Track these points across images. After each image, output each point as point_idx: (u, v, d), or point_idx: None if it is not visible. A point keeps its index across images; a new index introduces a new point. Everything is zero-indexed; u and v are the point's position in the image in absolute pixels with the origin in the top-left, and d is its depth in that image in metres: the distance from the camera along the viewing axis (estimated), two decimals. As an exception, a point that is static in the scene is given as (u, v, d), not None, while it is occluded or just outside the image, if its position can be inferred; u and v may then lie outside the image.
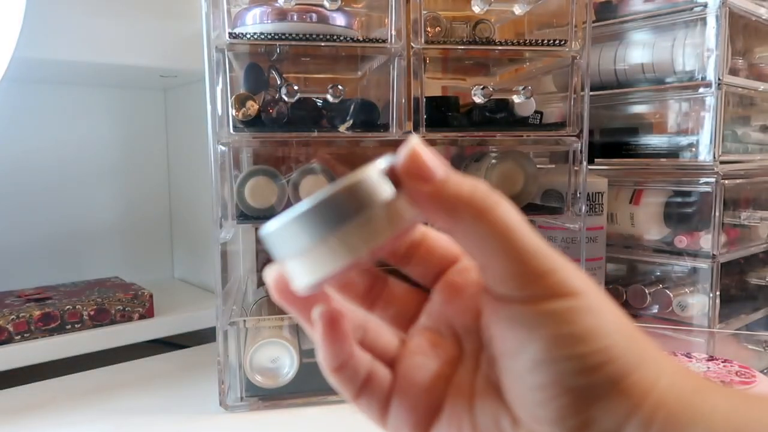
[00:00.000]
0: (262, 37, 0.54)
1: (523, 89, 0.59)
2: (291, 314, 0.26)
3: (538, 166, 0.63)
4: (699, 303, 0.70)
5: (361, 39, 0.58)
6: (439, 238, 0.26)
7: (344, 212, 0.21)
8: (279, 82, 0.59)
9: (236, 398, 0.59)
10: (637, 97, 0.75)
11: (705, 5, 0.66)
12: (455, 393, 0.25)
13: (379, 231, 0.21)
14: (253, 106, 0.55)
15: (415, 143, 0.22)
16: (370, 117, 0.58)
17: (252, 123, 0.55)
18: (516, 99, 0.60)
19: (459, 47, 0.60)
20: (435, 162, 0.22)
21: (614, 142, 0.77)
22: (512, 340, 0.22)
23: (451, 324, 0.26)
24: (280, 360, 0.59)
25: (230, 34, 0.53)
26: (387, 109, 0.58)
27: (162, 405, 0.59)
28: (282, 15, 0.56)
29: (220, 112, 0.54)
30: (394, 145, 0.63)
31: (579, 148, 0.61)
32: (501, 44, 0.59)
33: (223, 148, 0.55)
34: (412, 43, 0.57)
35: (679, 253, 0.71)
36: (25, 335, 0.65)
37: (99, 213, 0.90)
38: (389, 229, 0.22)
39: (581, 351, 0.21)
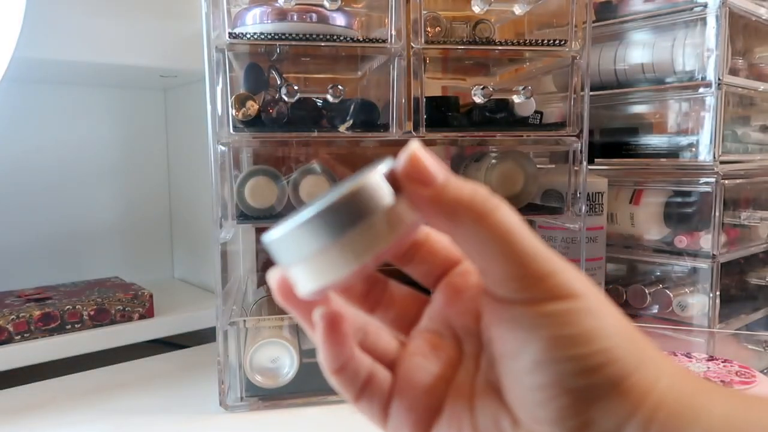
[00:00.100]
0: (262, 37, 0.54)
1: (523, 89, 0.59)
2: (293, 315, 0.26)
3: (538, 166, 0.63)
4: (699, 303, 0.70)
5: (361, 39, 0.58)
6: (441, 240, 0.27)
7: (348, 219, 0.21)
8: (279, 82, 0.59)
9: (236, 398, 0.59)
10: (637, 97, 0.75)
11: (705, 5, 0.66)
12: (455, 394, 0.25)
13: (382, 237, 0.22)
14: (253, 106, 0.55)
15: (415, 147, 0.22)
16: (370, 117, 0.58)
17: (252, 123, 0.55)
18: (516, 99, 0.60)
19: (459, 47, 0.60)
20: (435, 166, 0.22)
21: (614, 142, 0.77)
22: (512, 342, 0.22)
23: (452, 326, 0.26)
24: (280, 360, 0.59)
25: (230, 34, 0.53)
26: (387, 109, 0.58)
27: (162, 405, 0.59)
28: (282, 15, 0.56)
29: (220, 112, 0.54)
30: (394, 145, 0.63)
31: (579, 148, 0.61)
32: (501, 44, 0.59)
33: (223, 148, 0.55)
34: (412, 43, 0.57)
35: (679, 253, 0.71)
36: (25, 335, 0.65)
37: (99, 213, 0.90)
38: (392, 235, 0.22)
39: (581, 352, 0.21)
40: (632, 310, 0.74)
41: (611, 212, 0.75)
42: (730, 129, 0.73)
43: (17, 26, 0.56)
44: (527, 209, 0.63)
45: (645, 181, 0.74)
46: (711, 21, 0.66)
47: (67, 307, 0.68)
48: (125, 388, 0.64)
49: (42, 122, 0.84)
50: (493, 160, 0.63)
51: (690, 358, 0.60)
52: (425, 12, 0.58)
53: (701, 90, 0.68)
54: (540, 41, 0.59)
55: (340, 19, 0.57)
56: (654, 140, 0.74)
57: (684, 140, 0.71)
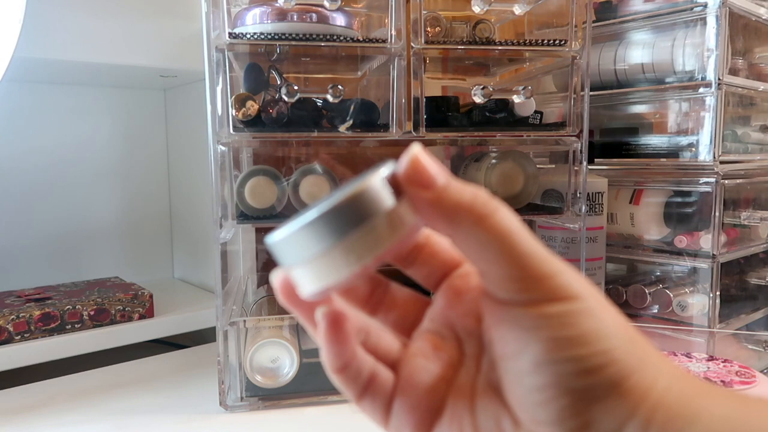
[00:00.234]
0: (262, 37, 0.54)
1: (523, 89, 0.59)
2: (295, 315, 0.26)
3: (538, 166, 0.63)
4: (699, 303, 0.70)
5: (361, 39, 0.58)
6: (442, 242, 0.27)
7: (350, 222, 0.21)
8: (279, 82, 0.59)
9: (236, 398, 0.59)
10: (637, 97, 0.75)
11: (705, 5, 0.66)
12: (456, 394, 0.25)
13: (383, 239, 0.22)
14: (253, 106, 0.55)
15: (416, 150, 0.22)
16: (370, 117, 0.58)
17: (252, 123, 0.55)
18: (516, 99, 0.60)
19: (459, 47, 0.60)
20: (436, 169, 0.22)
21: (614, 142, 0.78)
22: (513, 343, 0.22)
23: (453, 327, 0.26)
24: (280, 360, 0.59)
25: (230, 34, 0.53)
26: (387, 109, 0.58)
27: (162, 405, 0.59)
28: (282, 15, 0.56)
29: (220, 112, 0.54)
30: (394, 145, 0.63)
31: (579, 148, 0.61)
32: (501, 44, 0.59)
33: (223, 148, 0.55)
34: (412, 43, 0.57)
35: (679, 253, 0.71)
36: (25, 335, 0.65)
37: (99, 213, 0.90)
38: (393, 237, 0.22)
39: (581, 353, 0.21)
40: (632, 310, 0.74)
41: (611, 212, 0.75)
42: (730, 129, 0.73)
43: (17, 26, 0.56)
44: (527, 209, 0.63)
45: (645, 181, 0.74)
46: (711, 21, 0.66)
47: (67, 307, 0.68)
48: (125, 388, 0.64)
49: (42, 122, 0.84)
50: (493, 160, 0.63)
51: (690, 358, 0.60)
52: (425, 12, 0.58)
53: (701, 90, 0.68)
54: (540, 41, 0.59)
55: (340, 19, 0.57)
56: (654, 140, 0.74)
57: (684, 140, 0.71)
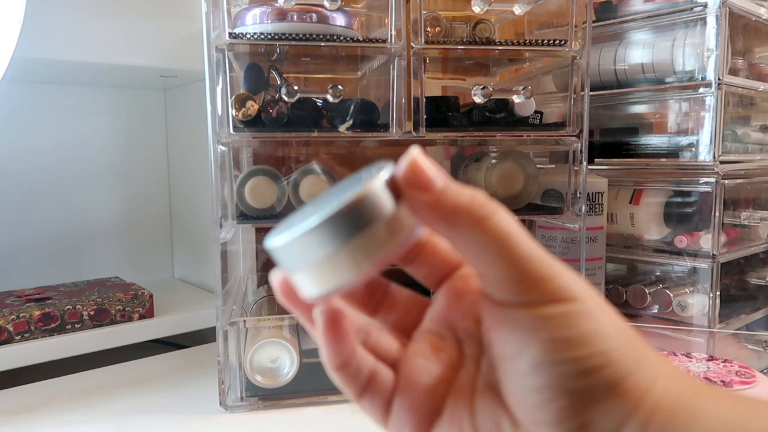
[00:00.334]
0: (262, 37, 0.54)
1: (523, 89, 0.59)
2: (295, 316, 0.26)
3: (538, 166, 0.63)
4: (699, 303, 0.70)
5: (361, 39, 0.58)
6: (442, 241, 0.27)
7: (352, 228, 0.21)
8: (279, 82, 0.59)
9: (236, 398, 0.59)
10: (637, 97, 0.75)
11: (705, 5, 0.66)
12: (456, 395, 0.25)
13: (385, 243, 0.22)
14: (253, 106, 0.55)
15: (415, 153, 0.22)
16: (370, 117, 0.58)
17: (252, 123, 0.55)
18: (516, 99, 0.60)
19: (459, 47, 0.60)
20: (434, 171, 0.22)
21: (614, 142, 0.77)
22: (512, 344, 0.22)
23: (453, 328, 0.26)
24: (280, 360, 0.59)
25: (230, 34, 0.53)
26: (387, 109, 0.58)
27: (162, 405, 0.59)
28: (282, 15, 0.56)
29: (220, 112, 0.54)
30: (394, 145, 0.62)
31: (579, 148, 0.61)
32: (501, 44, 0.59)
33: (223, 148, 0.55)
34: (412, 43, 0.56)
35: (679, 253, 0.71)
36: (25, 335, 0.65)
37: (99, 213, 0.90)
38: (394, 241, 0.22)
39: (580, 354, 0.21)
40: (632, 310, 0.74)
41: (611, 212, 0.75)
42: (730, 129, 0.73)
43: (17, 26, 0.56)
44: (527, 209, 0.63)
45: (645, 181, 0.74)
46: (711, 21, 0.66)
47: (67, 307, 0.68)
48: (125, 388, 0.64)
49: (42, 122, 0.84)
50: (493, 160, 0.63)
51: (690, 358, 0.60)
52: (425, 12, 0.58)
53: (701, 90, 0.68)
54: (540, 41, 0.59)
55: (340, 19, 0.57)
56: (654, 140, 0.74)
57: (684, 140, 0.71)
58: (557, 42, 0.59)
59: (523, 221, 0.66)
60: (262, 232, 0.71)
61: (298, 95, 0.54)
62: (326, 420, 0.56)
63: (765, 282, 0.78)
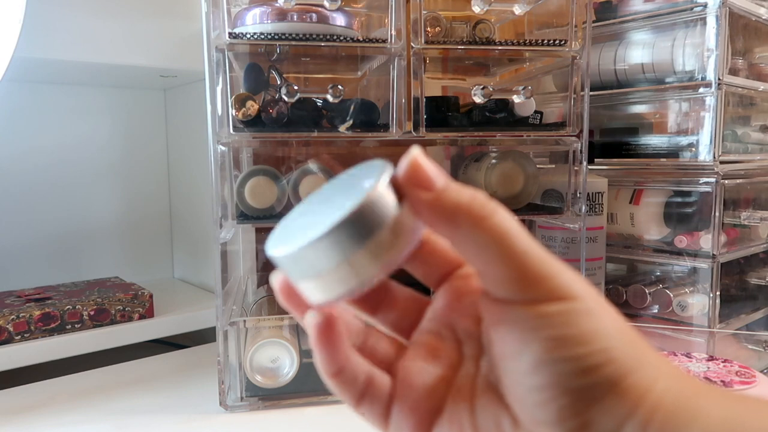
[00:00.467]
0: (262, 37, 0.54)
1: (523, 89, 0.59)
2: (294, 316, 0.26)
3: (538, 166, 0.63)
4: (699, 303, 0.70)
5: (361, 39, 0.58)
6: (443, 240, 0.27)
7: (359, 235, 0.21)
8: (279, 82, 0.59)
9: (236, 398, 0.59)
10: (637, 97, 0.75)
11: (705, 5, 0.66)
12: (456, 395, 0.25)
13: (391, 247, 0.22)
14: (253, 106, 0.55)
15: (416, 153, 0.22)
16: (370, 117, 0.58)
17: (252, 123, 0.55)
18: (516, 99, 0.60)
19: (459, 47, 0.60)
20: (435, 171, 0.22)
21: (614, 142, 0.77)
22: (512, 342, 0.22)
23: (453, 328, 0.26)
24: (280, 360, 0.59)
25: (230, 34, 0.53)
26: (387, 109, 0.58)
27: (162, 405, 0.59)
28: (282, 15, 0.56)
29: (220, 112, 0.54)
30: (394, 145, 0.62)
31: (579, 148, 0.61)
32: (501, 44, 0.59)
33: (223, 148, 0.55)
34: (412, 43, 0.56)
35: (679, 253, 0.71)
36: (25, 335, 0.65)
37: (99, 213, 0.90)
38: (401, 245, 0.22)
39: (580, 352, 0.21)
40: (632, 310, 0.74)
41: (611, 212, 0.75)
42: (730, 129, 0.73)
43: (17, 26, 0.56)
44: (527, 209, 0.63)
45: (645, 181, 0.74)
46: (711, 21, 0.66)
47: (67, 307, 0.68)
48: (125, 388, 0.64)
49: (42, 122, 0.84)
50: (493, 160, 0.63)
51: (690, 358, 0.60)
52: (425, 12, 0.58)
53: (701, 90, 0.68)
54: (540, 41, 0.59)
55: (340, 19, 0.57)
56: (654, 140, 0.74)
57: (684, 140, 0.71)
58: (557, 42, 0.59)
59: (523, 221, 0.66)
60: (262, 232, 0.71)
61: (298, 95, 0.54)
62: (326, 420, 0.56)
63: (765, 282, 0.78)
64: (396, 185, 0.22)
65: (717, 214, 0.67)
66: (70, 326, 0.68)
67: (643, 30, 0.73)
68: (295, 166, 0.60)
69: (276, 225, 0.24)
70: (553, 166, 0.72)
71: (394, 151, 0.62)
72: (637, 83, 0.74)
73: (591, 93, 0.61)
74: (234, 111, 0.54)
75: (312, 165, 0.59)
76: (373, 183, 0.22)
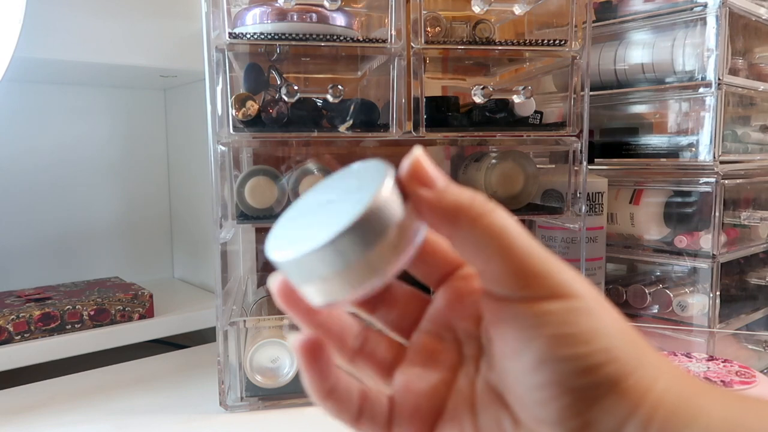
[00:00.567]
0: (262, 37, 0.54)
1: (523, 89, 0.59)
2: (292, 318, 0.26)
3: (538, 166, 0.63)
4: (699, 303, 0.70)
5: (361, 39, 0.58)
6: (443, 240, 0.27)
7: (365, 241, 0.21)
8: (279, 82, 0.59)
9: (236, 398, 0.59)
10: (637, 97, 0.75)
11: (705, 5, 0.66)
12: (456, 396, 0.25)
13: (397, 251, 0.22)
14: (253, 106, 0.55)
15: (419, 152, 0.23)
16: (370, 117, 0.58)
17: (252, 123, 0.55)
18: (516, 99, 0.60)
19: (459, 47, 0.60)
20: (436, 172, 0.23)
21: (614, 142, 0.77)
22: (513, 341, 0.22)
23: (453, 328, 0.26)
24: (280, 360, 0.59)
25: (230, 34, 0.53)
26: (387, 109, 0.58)
27: (162, 405, 0.59)
28: (282, 15, 0.56)
29: (220, 112, 0.54)
30: (394, 145, 0.62)
31: (579, 148, 0.61)
32: (501, 44, 0.59)
33: (223, 148, 0.55)
34: (412, 43, 0.56)
35: (679, 253, 0.71)
36: (25, 335, 0.65)
37: (99, 213, 0.90)
38: (406, 248, 0.22)
39: (582, 351, 0.21)
40: (632, 310, 0.74)
41: (611, 212, 0.75)
42: (730, 129, 0.73)
43: (17, 26, 0.56)
44: (527, 209, 0.63)
45: (645, 181, 0.74)
46: (711, 21, 0.66)
47: (67, 307, 0.68)
48: (125, 388, 0.64)
49: (42, 122, 0.84)
50: (493, 160, 0.63)
51: (690, 358, 0.60)
52: (425, 12, 0.58)
53: (701, 90, 0.68)
54: (540, 41, 0.59)
55: (340, 19, 0.57)
56: (654, 140, 0.74)
57: (684, 140, 0.71)
58: (557, 42, 0.59)
59: (523, 221, 0.66)
60: (262, 232, 0.71)
61: (298, 95, 0.54)
62: (326, 420, 0.56)
63: (765, 282, 0.78)
64: (399, 187, 0.22)
65: (717, 214, 0.67)
66: (70, 326, 0.68)
67: (643, 30, 0.73)
68: (295, 166, 0.60)
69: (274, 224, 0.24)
70: (553, 166, 0.72)
71: (394, 151, 0.62)
72: (637, 83, 0.74)
73: (591, 93, 0.61)
74: (234, 111, 0.54)
75: (312, 165, 0.59)
76: (378, 186, 0.21)
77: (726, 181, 0.68)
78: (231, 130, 0.54)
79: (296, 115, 0.56)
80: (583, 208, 0.62)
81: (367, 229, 0.21)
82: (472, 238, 0.22)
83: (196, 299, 0.84)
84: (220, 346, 0.57)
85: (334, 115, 0.57)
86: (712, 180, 0.67)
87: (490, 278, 0.22)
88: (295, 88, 0.54)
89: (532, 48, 0.60)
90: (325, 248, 0.21)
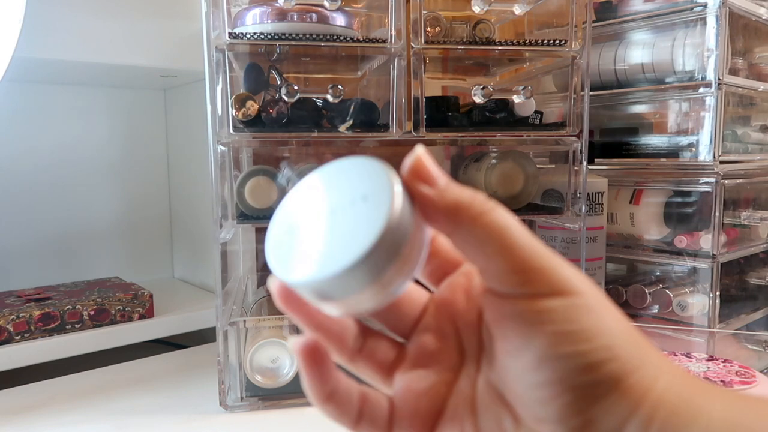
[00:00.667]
0: (262, 37, 0.54)
1: (523, 89, 0.59)
2: (292, 319, 0.26)
3: (538, 166, 0.63)
4: (699, 303, 0.70)
5: (361, 39, 0.58)
6: (444, 239, 0.27)
7: (384, 261, 0.21)
8: (279, 82, 0.59)
9: (236, 398, 0.59)
10: (637, 97, 0.75)
11: (705, 5, 0.66)
12: (457, 396, 0.25)
13: (412, 259, 0.22)
14: (253, 106, 0.55)
15: (421, 151, 0.23)
16: (370, 117, 0.58)
17: (252, 123, 0.55)
18: (516, 99, 0.60)
19: (459, 47, 0.60)
20: (438, 171, 0.23)
21: (614, 142, 0.77)
22: (515, 338, 0.22)
23: (454, 326, 0.26)
24: (280, 360, 0.59)
25: (230, 34, 0.53)
26: (387, 109, 0.58)
27: (162, 405, 0.59)
28: (282, 15, 0.56)
29: (220, 112, 0.54)
30: (394, 145, 0.62)
31: (579, 148, 0.61)
32: (501, 44, 0.59)
33: (223, 148, 0.55)
34: (412, 43, 0.56)
35: (679, 253, 0.71)
36: (25, 335, 0.65)
37: (99, 213, 0.90)
38: (420, 254, 0.23)
39: (583, 348, 0.21)
40: (632, 310, 0.74)
41: (611, 212, 0.75)
42: (730, 129, 0.73)
43: (17, 26, 0.56)
44: (527, 209, 0.63)
45: (645, 181, 0.74)
46: (711, 21, 0.66)
47: (67, 307, 0.68)
48: (125, 388, 0.64)
49: (42, 122, 0.84)
50: (493, 160, 0.63)
51: (690, 358, 0.60)
52: (425, 12, 0.57)
53: (701, 90, 0.68)
54: (540, 41, 0.59)
55: (340, 19, 0.57)
56: (654, 140, 0.74)
57: (684, 140, 0.71)
58: (557, 42, 0.59)
59: (523, 221, 0.66)
60: (262, 232, 0.71)
61: (298, 95, 0.54)
62: (326, 420, 0.56)
63: (765, 282, 0.78)
64: (407, 192, 0.22)
65: (717, 214, 0.67)
66: (70, 326, 0.68)
67: (643, 30, 0.73)
68: (295, 166, 0.60)
69: (270, 231, 0.23)
70: (553, 166, 0.72)
71: (394, 151, 0.62)
72: (637, 83, 0.74)
73: (591, 93, 0.61)
74: (234, 111, 0.54)
75: (313, 165, 0.59)
76: (389, 198, 0.21)
77: (726, 181, 0.68)
78: (231, 130, 0.54)
79: (296, 115, 0.56)
80: (583, 208, 0.62)
81: (385, 249, 0.21)
82: (474, 236, 0.22)
83: (196, 299, 0.84)
84: (220, 346, 0.57)
85: (334, 115, 0.57)
86: (712, 180, 0.67)
87: (492, 275, 0.22)
88: (295, 88, 0.54)
89: (532, 48, 0.60)
90: (345, 274, 0.20)
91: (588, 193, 0.68)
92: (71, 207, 0.87)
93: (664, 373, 0.21)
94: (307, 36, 0.54)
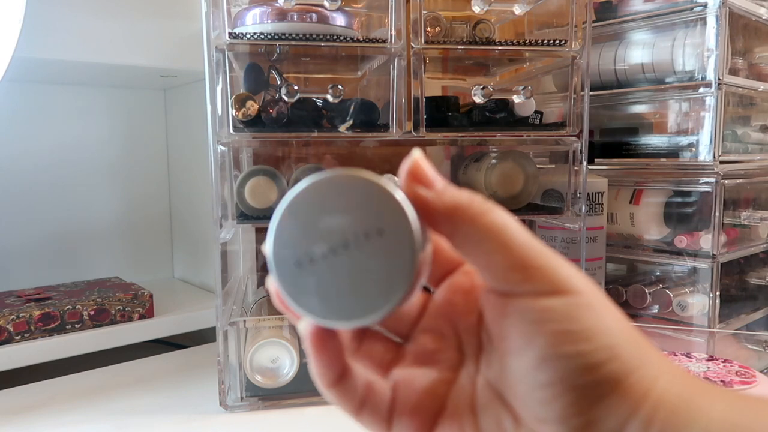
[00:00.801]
0: (262, 37, 0.54)
1: (523, 89, 0.59)
2: (291, 320, 0.26)
3: (538, 166, 0.63)
4: (699, 303, 0.70)
5: (361, 39, 0.58)
6: (443, 240, 0.27)
7: (409, 289, 0.22)
8: (279, 82, 0.59)
9: (236, 398, 0.59)
10: (637, 97, 0.75)
11: (705, 5, 0.66)
12: (457, 396, 0.25)
13: (422, 278, 0.23)
14: (253, 106, 0.55)
15: (418, 154, 0.23)
16: (370, 117, 0.58)
17: (252, 123, 0.55)
18: (516, 99, 0.60)
19: (459, 47, 0.60)
20: (435, 174, 0.23)
21: (614, 142, 0.77)
22: (517, 338, 0.22)
23: (453, 326, 0.26)
24: (280, 360, 0.59)
25: (230, 34, 0.53)
26: (387, 109, 0.58)
27: (162, 405, 0.59)
28: (282, 15, 0.56)
29: (220, 112, 0.54)
30: (394, 145, 0.62)
31: (579, 148, 0.61)
32: (501, 44, 0.59)
33: (223, 148, 0.55)
34: (412, 43, 0.56)
35: (679, 253, 0.71)
36: (25, 335, 0.65)
37: (99, 213, 0.90)
38: (428, 270, 0.23)
39: (584, 348, 0.21)
40: (632, 310, 0.74)
41: (611, 212, 0.75)
42: (730, 129, 0.73)
43: (17, 26, 0.56)
44: (527, 209, 0.63)
45: (645, 181, 0.74)
46: (711, 21, 0.66)
47: (67, 307, 0.68)
48: (125, 388, 0.64)
49: (42, 122, 0.84)
50: (493, 160, 0.63)
51: (690, 358, 0.60)
52: (425, 12, 0.57)
53: (701, 90, 0.68)
54: (540, 41, 0.59)
55: (340, 19, 0.57)
56: (654, 140, 0.74)
57: (684, 140, 0.71)
58: (557, 42, 0.59)
59: (523, 221, 0.66)
60: (262, 232, 0.71)
61: (298, 95, 0.54)
62: (326, 420, 0.56)
63: (765, 282, 0.78)
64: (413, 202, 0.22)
65: (717, 214, 0.67)
66: (70, 326, 0.68)
67: (643, 30, 0.73)
68: (295, 166, 0.60)
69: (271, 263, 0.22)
70: (553, 166, 0.72)
71: (394, 151, 0.62)
72: (637, 83, 0.74)
73: (591, 93, 0.61)
74: (234, 111, 0.54)
75: (314, 166, 0.59)
76: (409, 232, 0.21)
77: (726, 181, 0.68)
78: (231, 130, 0.54)
79: (296, 115, 0.56)
80: (583, 208, 0.62)
81: (411, 286, 0.22)
82: (473, 235, 0.22)
83: (196, 299, 0.84)
84: (220, 346, 0.57)
85: (334, 115, 0.57)
86: (712, 180, 0.67)
87: (492, 273, 0.22)
88: (295, 88, 0.54)
89: (532, 48, 0.60)
90: (376, 318, 0.22)
91: (588, 193, 0.68)
92: (71, 207, 0.87)
93: (664, 373, 0.21)
94: (307, 36, 0.54)
